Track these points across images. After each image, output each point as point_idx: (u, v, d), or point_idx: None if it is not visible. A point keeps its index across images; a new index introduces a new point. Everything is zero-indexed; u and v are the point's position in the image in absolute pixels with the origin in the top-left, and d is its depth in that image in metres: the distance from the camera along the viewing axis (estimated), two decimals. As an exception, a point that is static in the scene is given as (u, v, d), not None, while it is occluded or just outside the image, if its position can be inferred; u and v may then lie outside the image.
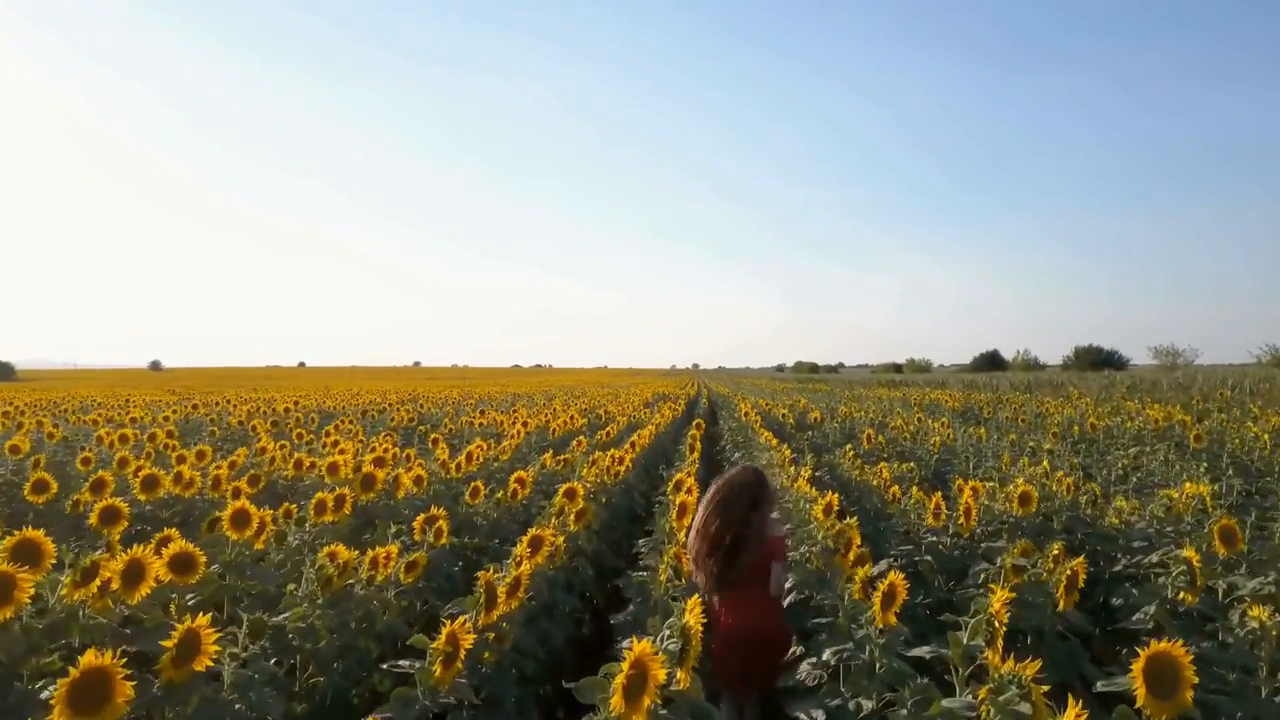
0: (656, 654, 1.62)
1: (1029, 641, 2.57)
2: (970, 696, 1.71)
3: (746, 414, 12.35)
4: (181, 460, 5.32)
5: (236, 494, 4.26)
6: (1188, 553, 2.61)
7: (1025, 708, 1.50)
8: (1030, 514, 4.01)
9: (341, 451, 5.50)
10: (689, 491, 3.73)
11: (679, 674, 1.73)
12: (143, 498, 4.09)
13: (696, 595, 1.87)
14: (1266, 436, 7.33)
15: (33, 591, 1.95)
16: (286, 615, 2.42)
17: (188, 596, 2.63)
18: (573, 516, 3.85)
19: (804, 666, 2.53)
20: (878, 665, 2.22)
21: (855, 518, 3.42)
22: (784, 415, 13.36)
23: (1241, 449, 7.19)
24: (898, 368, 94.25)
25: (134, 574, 2.23)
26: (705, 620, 2.00)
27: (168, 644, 1.71)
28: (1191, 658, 1.71)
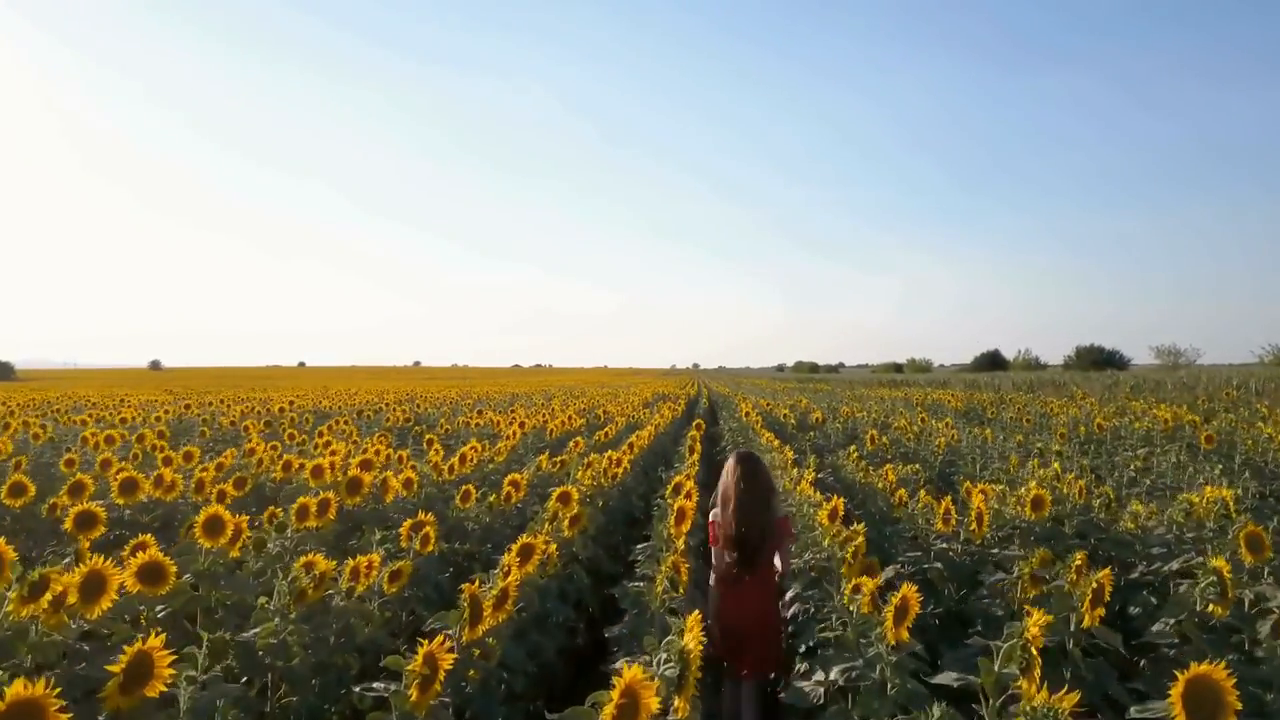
0: (651, 679, 1.46)
1: (1051, 657, 2.40)
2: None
3: (747, 414, 12.18)
4: (168, 462, 5.16)
5: (221, 498, 4.10)
6: (1217, 562, 2.46)
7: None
8: (1042, 518, 3.86)
9: (333, 453, 5.34)
10: (688, 496, 3.57)
11: (677, 702, 1.55)
12: (121, 501, 3.92)
13: (697, 613, 1.68)
14: (1279, 437, 7.18)
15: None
16: (257, 631, 2.26)
17: (158, 609, 2.48)
18: (566, 522, 3.69)
19: (809, 685, 2.37)
20: (890, 685, 2.07)
21: (862, 523, 3.27)
22: (785, 415, 13.20)
23: (1255, 450, 7.03)
24: (898, 368, 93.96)
25: (93, 586, 2.09)
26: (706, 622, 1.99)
27: (114, 668, 1.55)
28: (1234, 681, 1.56)
